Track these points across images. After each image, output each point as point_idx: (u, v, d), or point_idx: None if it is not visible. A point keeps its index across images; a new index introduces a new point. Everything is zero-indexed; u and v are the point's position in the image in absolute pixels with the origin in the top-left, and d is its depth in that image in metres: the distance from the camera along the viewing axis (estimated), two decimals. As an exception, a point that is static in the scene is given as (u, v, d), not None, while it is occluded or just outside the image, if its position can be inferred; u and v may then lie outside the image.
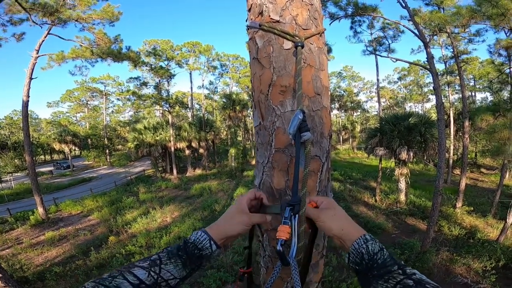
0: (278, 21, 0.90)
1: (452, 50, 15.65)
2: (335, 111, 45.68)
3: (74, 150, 37.33)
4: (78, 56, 15.49)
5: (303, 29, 0.91)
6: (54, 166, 36.68)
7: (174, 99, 26.06)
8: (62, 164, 36.17)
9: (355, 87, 47.81)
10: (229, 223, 0.73)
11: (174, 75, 26.14)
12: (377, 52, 17.33)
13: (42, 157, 47.18)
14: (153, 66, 24.30)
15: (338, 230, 0.67)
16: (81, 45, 15.56)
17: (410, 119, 13.78)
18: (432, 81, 9.35)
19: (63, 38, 15.24)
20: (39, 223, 13.60)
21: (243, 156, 27.92)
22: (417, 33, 9.46)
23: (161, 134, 25.86)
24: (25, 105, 14.09)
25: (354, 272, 0.63)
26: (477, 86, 30.34)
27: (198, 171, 27.35)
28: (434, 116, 15.58)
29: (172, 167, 25.82)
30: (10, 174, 25.14)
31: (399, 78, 46.02)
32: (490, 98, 33.35)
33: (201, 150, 27.37)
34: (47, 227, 13.12)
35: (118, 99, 43.21)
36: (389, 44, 17.75)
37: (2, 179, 23.13)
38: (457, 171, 21.22)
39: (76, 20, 14.24)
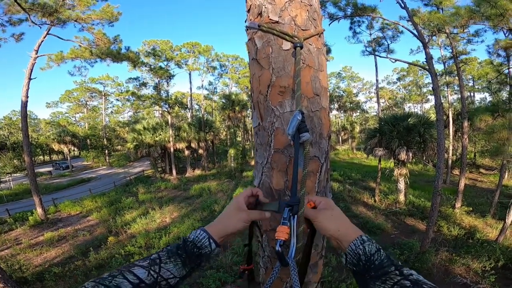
0: (277, 22, 0.90)
1: (451, 50, 15.66)
2: (334, 112, 45.71)
3: (73, 150, 37.27)
4: (77, 56, 15.47)
5: (302, 29, 0.91)
6: (53, 167, 36.60)
7: (174, 100, 26.05)
8: (61, 165, 36.09)
9: (355, 87, 47.86)
10: (227, 220, 0.73)
11: (173, 76, 26.12)
12: (376, 53, 17.36)
13: (41, 157, 47.08)
14: (152, 67, 24.28)
15: (335, 230, 0.67)
16: (80, 46, 15.54)
17: (409, 120, 13.81)
18: (431, 81, 9.36)
19: (62, 39, 15.23)
20: (38, 223, 13.57)
21: (242, 157, 27.91)
22: (416, 33, 9.48)
23: (160, 134, 25.84)
24: (24, 105, 14.07)
25: (352, 273, 0.63)
26: (476, 87, 30.39)
27: (198, 172, 27.33)
28: (433, 116, 15.58)
29: (171, 168, 25.80)
30: (9, 175, 25.07)
31: (398, 79, 46.10)
32: (489, 98, 33.43)
33: (200, 151, 27.35)
34: (46, 228, 13.09)
35: (117, 100, 43.18)
36: (388, 44, 17.80)
37: (1, 180, 23.08)
38: (456, 172, 21.26)
39: (75, 21, 14.22)
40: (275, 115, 0.92)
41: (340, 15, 12.34)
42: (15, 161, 29.58)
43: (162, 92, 26.35)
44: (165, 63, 25.64)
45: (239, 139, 43.84)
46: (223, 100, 30.03)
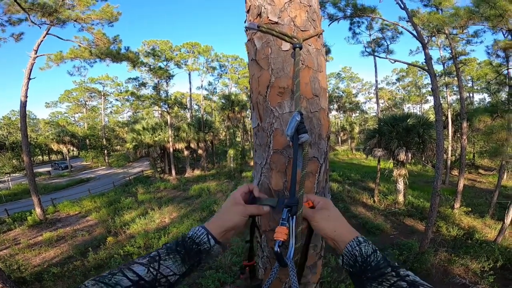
0: (276, 23, 0.90)
1: (450, 51, 15.68)
2: (333, 112, 45.73)
3: (72, 150, 37.23)
4: (76, 56, 15.45)
5: (302, 30, 0.91)
6: (52, 167, 36.51)
7: (173, 100, 26.04)
8: (60, 165, 36.02)
9: (354, 88, 47.91)
10: (225, 215, 0.73)
11: (173, 76, 26.09)
12: (376, 53, 17.37)
13: (40, 157, 46.99)
14: (152, 67, 24.26)
15: (331, 231, 0.68)
16: (79, 46, 15.52)
17: (408, 120, 13.84)
18: (430, 82, 9.38)
19: (61, 38, 15.20)
20: (37, 223, 13.54)
21: (241, 157, 27.90)
22: (416, 34, 9.50)
23: (159, 134, 25.82)
24: (23, 105, 14.04)
25: (349, 274, 0.63)
26: (475, 87, 30.44)
27: (197, 172, 27.31)
28: (432, 117, 15.60)
29: (170, 168, 25.78)
30: (8, 175, 25.03)
31: (398, 79, 46.17)
32: (488, 99, 33.51)
33: (199, 151, 27.34)
34: (45, 228, 13.07)
35: (116, 100, 43.13)
36: (387, 45, 17.80)
37: (0, 180, 23.03)
38: (455, 172, 21.28)
39: (75, 20, 14.21)
40: (274, 116, 0.92)
41: (340, 15, 12.35)
42: (14, 161, 29.54)
43: (161, 92, 26.33)
44: (165, 63, 25.62)
45: (238, 139, 43.82)
46: (223, 101, 30.02)
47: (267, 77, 0.92)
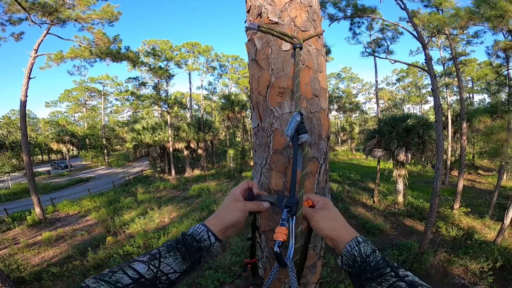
0: (276, 23, 0.90)
1: (450, 51, 15.67)
2: (333, 112, 45.71)
3: (72, 150, 37.19)
4: (77, 56, 15.45)
5: (302, 30, 0.91)
6: (52, 166, 36.52)
7: (173, 100, 26.02)
8: (60, 164, 36.01)
9: (354, 88, 47.91)
10: (225, 212, 0.73)
11: (173, 76, 26.09)
12: (376, 54, 17.36)
13: (40, 157, 46.97)
14: (152, 66, 24.25)
15: (330, 231, 0.68)
16: (80, 45, 15.53)
17: (408, 121, 13.83)
18: (430, 82, 9.38)
19: (62, 38, 15.21)
20: (36, 223, 13.53)
21: (241, 157, 27.91)
22: (416, 34, 9.50)
23: (159, 134, 25.81)
24: (23, 104, 14.02)
25: (348, 274, 0.63)
26: (475, 88, 30.45)
27: (197, 172, 27.30)
28: (432, 117, 15.62)
29: (170, 168, 25.77)
30: (8, 174, 24.99)
31: (398, 80, 46.18)
32: (488, 100, 33.57)
33: (199, 151, 27.33)
34: (44, 227, 13.06)
35: (116, 99, 43.11)
36: (387, 45, 17.80)
37: (0, 179, 23.01)
38: (455, 173, 21.30)
39: (76, 20, 14.21)
40: (274, 116, 0.92)
41: (340, 16, 12.35)
42: (13, 160, 29.50)
43: (161, 92, 26.33)
44: (165, 63, 25.62)
45: (238, 139, 43.81)
46: (223, 100, 30.01)
47: (267, 77, 0.92)
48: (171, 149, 25.08)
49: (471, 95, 34.57)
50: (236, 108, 28.25)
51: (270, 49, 0.91)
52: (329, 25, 12.60)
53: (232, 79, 37.71)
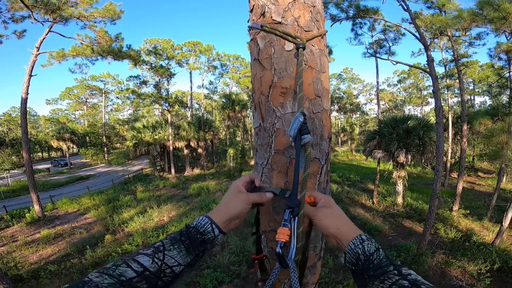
0: (280, 23, 0.90)
1: (452, 53, 15.67)
2: (334, 113, 45.74)
3: (72, 147, 37.23)
4: (78, 54, 15.46)
5: (305, 30, 0.91)
6: (52, 164, 36.54)
7: (174, 98, 26.04)
8: (60, 162, 36.03)
9: (355, 89, 47.95)
10: (228, 204, 0.73)
11: (174, 74, 26.13)
12: (378, 55, 17.36)
13: (40, 154, 46.97)
14: (153, 65, 24.28)
15: (335, 229, 0.67)
16: (82, 43, 15.53)
17: (408, 122, 13.83)
18: (431, 84, 9.38)
19: (64, 36, 15.22)
20: (35, 221, 13.53)
21: (241, 157, 27.92)
22: (418, 36, 9.49)
23: (160, 133, 25.82)
24: (24, 102, 14.02)
25: (351, 272, 0.63)
26: (476, 90, 30.50)
27: (197, 171, 27.31)
28: (432, 119, 15.62)
29: (170, 166, 25.78)
30: (7, 171, 25.02)
31: (399, 81, 46.19)
32: (489, 102, 33.56)
33: (199, 150, 27.35)
34: (43, 225, 13.06)
35: (117, 98, 43.19)
36: (389, 46, 17.81)
37: (-1, 176, 23.04)
38: (455, 175, 21.30)
39: (78, 18, 14.22)
40: (276, 116, 0.92)
41: (342, 16, 12.35)
42: (13, 157, 29.55)
43: (162, 90, 26.35)
44: (166, 61, 25.64)
45: (238, 139, 43.83)
46: (223, 100, 30.04)
47: (269, 77, 0.92)
48: (171, 148, 25.10)
49: (472, 97, 34.58)
50: (237, 108, 28.26)
51: (273, 48, 0.91)
52: (331, 26, 12.61)
53: (233, 78, 37.75)
